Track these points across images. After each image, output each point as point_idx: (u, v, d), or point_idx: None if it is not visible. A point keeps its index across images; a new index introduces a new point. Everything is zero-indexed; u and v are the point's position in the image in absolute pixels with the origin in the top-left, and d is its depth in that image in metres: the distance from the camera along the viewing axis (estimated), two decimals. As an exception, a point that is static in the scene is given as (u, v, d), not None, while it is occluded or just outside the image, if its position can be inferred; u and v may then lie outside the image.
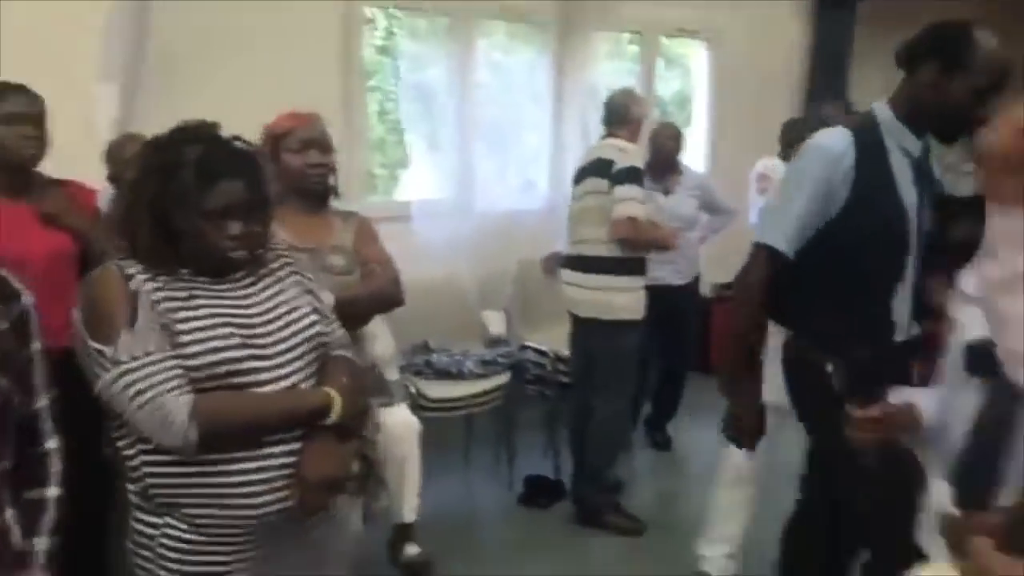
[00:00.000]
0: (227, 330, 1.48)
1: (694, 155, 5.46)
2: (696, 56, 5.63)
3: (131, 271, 1.48)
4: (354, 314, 2.20)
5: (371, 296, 2.30)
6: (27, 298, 1.39)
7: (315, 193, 2.33)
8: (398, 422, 3.09)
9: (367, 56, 4.42)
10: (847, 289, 2.06)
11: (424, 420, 3.47)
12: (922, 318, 2.14)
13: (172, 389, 1.40)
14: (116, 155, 2.87)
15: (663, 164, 3.98)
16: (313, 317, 1.62)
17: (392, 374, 3.27)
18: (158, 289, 1.47)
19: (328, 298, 2.12)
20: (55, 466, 1.43)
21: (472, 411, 3.66)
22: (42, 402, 1.41)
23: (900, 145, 2.04)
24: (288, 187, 2.28)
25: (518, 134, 4.74)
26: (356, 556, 2.16)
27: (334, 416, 1.52)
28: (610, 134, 3.50)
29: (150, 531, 1.51)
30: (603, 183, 3.32)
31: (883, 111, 2.06)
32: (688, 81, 5.75)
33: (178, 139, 1.51)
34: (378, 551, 3.10)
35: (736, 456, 2.76)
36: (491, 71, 4.63)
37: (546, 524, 3.46)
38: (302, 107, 3.80)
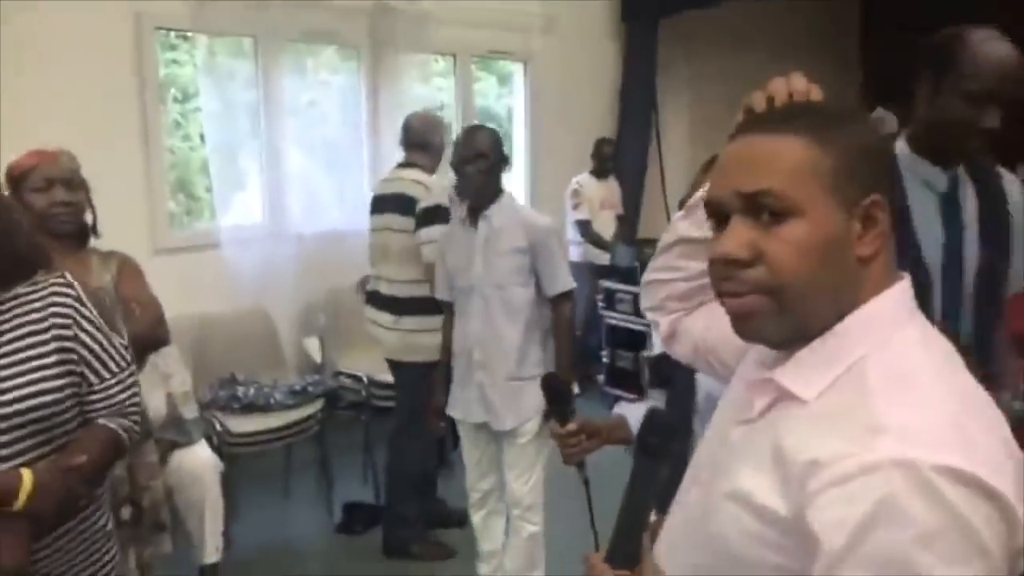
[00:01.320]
0: None
1: (515, 173, 5.64)
2: (512, 75, 5.79)
3: None
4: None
5: (131, 339, 2.23)
6: None
7: (65, 233, 2.24)
8: (195, 462, 3.00)
9: (176, 76, 4.31)
10: None
11: (237, 456, 3.43)
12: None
13: None
14: None
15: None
16: (49, 383, 1.45)
17: (190, 412, 3.18)
18: None
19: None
20: None
21: (283, 443, 3.61)
22: None
23: (922, 180, 1.74)
24: (37, 228, 2.18)
25: (334, 156, 4.73)
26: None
27: (19, 503, 1.35)
28: (408, 162, 3.46)
29: None
30: (407, 222, 3.26)
31: (899, 146, 1.78)
32: (499, 99, 5.90)
33: None
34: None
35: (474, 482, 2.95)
36: (304, 92, 4.60)
37: (363, 550, 3.45)
38: (99, 131, 3.72)
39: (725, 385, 1.12)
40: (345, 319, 4.20)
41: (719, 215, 0.91)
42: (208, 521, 2.98)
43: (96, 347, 1.54)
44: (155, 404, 2.98)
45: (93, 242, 2.36)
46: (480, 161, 2.69)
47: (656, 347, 1.71)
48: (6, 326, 1.45)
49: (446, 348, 2.95)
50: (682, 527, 0.97)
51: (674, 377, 1.59)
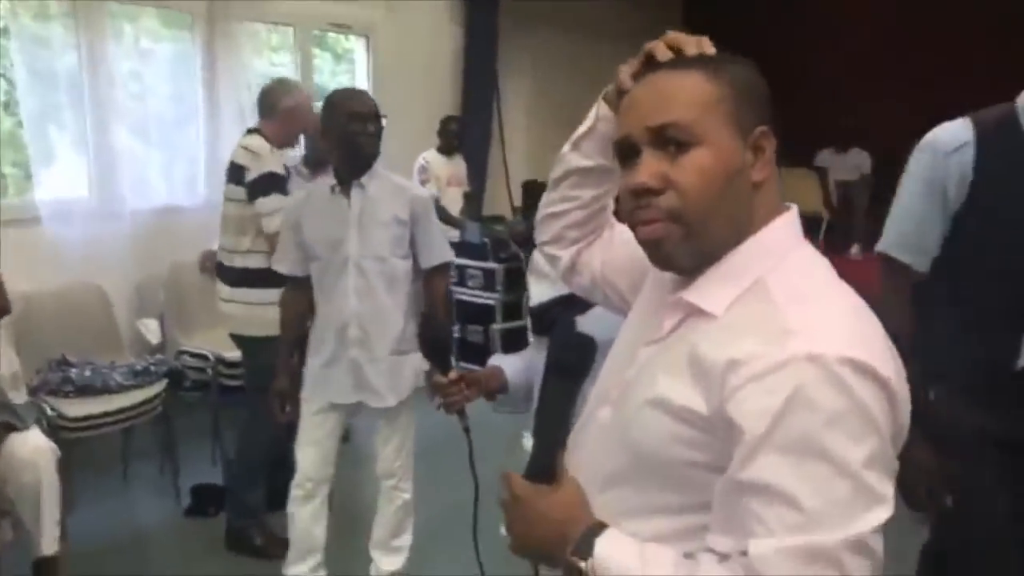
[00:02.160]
0: None
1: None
2: (357, 51, 5.70)
3: None
4: None
5: None
6: None
7: None
8: (28, 448, 2.78)
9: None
10: (961, 314, 1.76)
11: (71, 441, 3.19)
12: None
13: None
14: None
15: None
16: None
17: (20, 396, 2.94)
18: None
19: None
20: None
21: (124, 426, 3.40)
22: None
23: None
24: None
25: (170, 127, 4.46)
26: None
27: None
28: (253, 128, 3.31)
29: None
30: (238, 191, 3.11)
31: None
32: (354, 76, 5.80)
33: None
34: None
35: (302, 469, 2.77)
36: (134, 60, 4.31)
37: (214, 532, 3.32)
38: None
39: (618, 316, 1.19)
40: (188, 296, 4.01)
41: (628, 151, 0.99)
42: (45, 510, 2.77)
43: None
44: (-20, 390, 2.74)
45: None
46: (376, 122, 2.56)
47: (534, 298, 1.77)
48: None
49: (287, 325, 2.80)
50: (596, 441, 1.03)
51: (555, 325, 1.66)
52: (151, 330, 3.99)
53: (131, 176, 4.25)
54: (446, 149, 5.53)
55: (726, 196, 0.94)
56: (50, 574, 2.81)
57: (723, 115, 0.94)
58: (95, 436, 3.31)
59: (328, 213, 2.63)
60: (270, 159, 3.13)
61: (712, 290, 0.95)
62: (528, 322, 1.83)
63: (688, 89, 0.95)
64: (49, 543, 2.80)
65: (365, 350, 2.64)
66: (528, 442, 1.59)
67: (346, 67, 5.79)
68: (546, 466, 1.01)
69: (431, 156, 5.46)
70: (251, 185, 3.07)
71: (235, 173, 3.15)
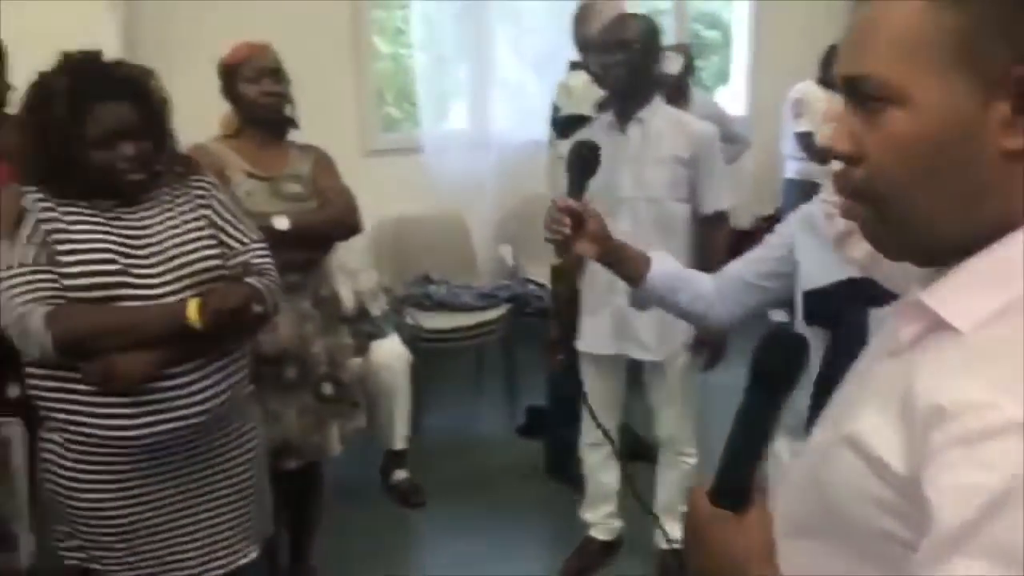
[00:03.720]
0: (107, 255, 1.54)
1: (734, 80, 5.29)
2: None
3: (31, 195, 1.55)
4: (311, 239, 2.28)
5: (326, 222, 2.35)
6: None
7: (271, 122, 2.36)
8: (387, 353, 3.16)
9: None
10: None
11: (428, 351, 3.55)
12: None
13: (35, 300, 1.47)
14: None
15: (668, 90, 3.76)
16: (207, 251, 1.65)
17: (377, 308, 3.32)
18: (48, 210, 1.53)
19: (282, 223, 2.18)
20: None
21: (468, 343, 3.69)
22: None
23: None
24: (245, 117, 2.33)
25: (546, 65, 4.63)
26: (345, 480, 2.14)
27: (191, 316, 1.54)
28: (577, 62, 3.11)
29: (43, 447, 1.62)
30: (552, 133, 3.06)
31: None
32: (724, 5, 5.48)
33: (51, 72, 1.54)
34: (372, 475, 3.21)
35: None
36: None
37: (539, 455, 3.48)
38: (309, 31, 3.89)
39: None
40: (537, 228, 4.16)
41: None
42: (397, 409, 3.14)
43: (234, 224, 1.75)
44: (344, 296, 3.15)
45: (292, 134, 2.45)
46: (621, 51, 2.33)
47: (807, 278, 1.45)
48: (168, 212, 1.66)
49: (558, 272, 2.68)
50: (801, 473, 0.81)
51: (840, 316, 1.34)
52: (507, 256, 4.25)
53: (506, 111, 4.51)
54: (827, 82, 4.99)
55: (945, 172, 0.66)
56: (398, 464, 3.20)
57: (950, 53, 0.65)
58: (449, 349, 3.65)
59: (605, 150, 2.48)
60: (581, 97, 2.95)
61: (961, 296, 0.67)
62: (800, 307, 1.44)
63: (895, 22, 0.67)
64: (399, 439, 3.18)
65: None
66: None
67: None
68: (735, 486, 0.82)
69: (807, 88, 4.97)
70: (556, 124, 3.01)
71: (552, 112, 3.09)
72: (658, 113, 2.42)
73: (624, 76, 2.35)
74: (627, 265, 1.50)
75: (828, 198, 1.28)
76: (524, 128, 4.47)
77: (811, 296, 1.38)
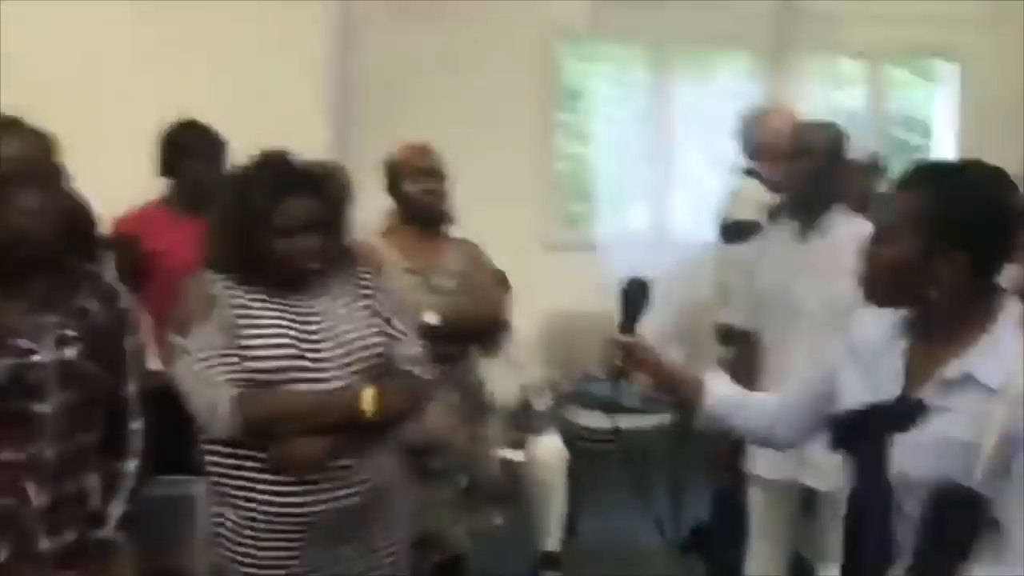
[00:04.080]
0: (286, 340, 1.62)
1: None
2: (942, 77, 5.07)
3: (216, 281, 1.66)
4: (459, 334, 2.32)
5: (474, 319, 2.39)
6: (124, 301, 1.62)
7: (429, 219, 2.46)
8: (544, 450, 3.12)
9: (567, 84, 4.54)
10: None
11: (584, 451, 3.47)
12: None
13: (224, 384, 1.56)
14: None
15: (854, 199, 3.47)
16: (373, 339, 1.71)
17: (540, 403, 3.30)
18: (234, 297, 1.64)
19: (432, 319, 2.23)
20: (135, 443, 1.61)
21: (630, 447, 3.55)
22: (130, 389, 1.61)
23: None
24: (405, 213, 2.44)
25: (720, 165, 4.58)
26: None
27: (366, 406, 1.59)
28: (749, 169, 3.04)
29: (214, 519, 1.69)
30: (719, 238, 3.01)
31: None
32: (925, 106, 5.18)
33: (251, 164, 1.68)
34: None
35: None
36: (698, 98, 4.52)
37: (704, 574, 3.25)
38: (497, 129, 4.06)
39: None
40: (707, 333, 4.02)
41: None
42: (552, 508, 3.07)
43: (394, 315, 1.79)
44: (504, 390, 3.15)
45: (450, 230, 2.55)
46: (804, 159, 2.26)
47: (844, 396, 1.33)
48: (337, 300, 1.73)
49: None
50: None
51: (860, 442, 1.25)
52: (677, 359, 4.11)
53: (686, 211, 4.46)
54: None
55: None
56: (549, 567, 3.10)
57: None
58: (610, 451, 3.54)
59: (783, 260, 2.33)
60: (747, 202, 2.89)
61: None
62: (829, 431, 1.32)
63: None
64: (552, 540, 3.10)
65: None
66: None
67: (933, 94, 5.16)
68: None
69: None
70: (722, 230, 2.96)
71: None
72: (842, 223, 2.28)
73: (807, 185, 2.28)
74: (683, 390, 1.55)
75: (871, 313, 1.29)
76: (703, 228, 4.41)
77: (835, 420, 1.31)
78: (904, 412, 1.18)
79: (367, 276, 1.82)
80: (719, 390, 1.52)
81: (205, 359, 1.59)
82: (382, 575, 1.77)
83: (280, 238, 1.63)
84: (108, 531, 1.55)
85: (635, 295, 1.66)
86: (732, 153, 4.45)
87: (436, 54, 4.03)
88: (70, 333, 1.50)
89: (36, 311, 1.49)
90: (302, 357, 1.63)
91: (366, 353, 1.69)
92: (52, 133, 1.53)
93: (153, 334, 2.42)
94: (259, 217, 1.62)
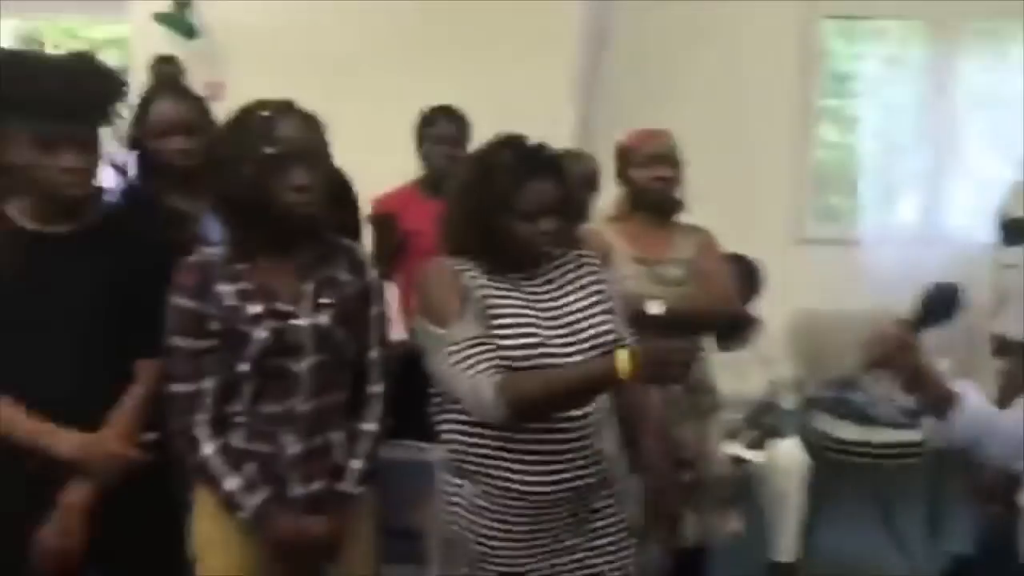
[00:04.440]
0: (530, 327, 1.63)
1: None
2: None
3: (459, 267, 1.67)
4: (682, 326, 2.19)
5: (699, 311, 2.28)
6: (372, 272, 1.73)
7: (659, 206, 2.38)
8: (783, 455, 2.95)
9: (833, 67, 4.23)
10: None
11: (829, 462, 3.24)
12: None
13: (486, 370, 1.57)
14: None
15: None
16: (606, 324, 1.69)
17: (787, 403, 3.11)
18: (481, 287, 1.65)
19: (655, 308, 2.17)
20: (376, 406, 1.71)
21: (882, 462, 3.25)
22: (374, 354, 1.71)
23: None
24: (633, 200, 2.39)
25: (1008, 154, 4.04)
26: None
27: (624, 364, 1.49)
28: None
29: (449, 489, 1.71)
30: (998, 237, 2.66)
31: None
32: None
33: (492, 148, 1.69)
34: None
35: None
36: (986, 80, 4.01)
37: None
38: (752, 117, 3.87)
39: None
40: (983, 345, 3.57)
41: None
42: (785, 518, 2.90)
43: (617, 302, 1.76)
44: (750, 386, 3.01)
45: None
46: None
47: None
48: (568, 285, 1.72)
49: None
50: None
51: None
52: (946, 371, 3.70)
53: (965, 206, 4.00)
54: None
55: None
56: (782, 579, 2.93)
57: None
58: (858, 465, 3.27)
59: None
60: None
61: None
62: None
63: None
64: (785, 551, 2.92)
65: None
66: None
67: None
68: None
69: None
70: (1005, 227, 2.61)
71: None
72: None
73: None
74: (933, 398, 1.43)
75: None
76: (982, 227, 3.93)
77: None
78: None
79: (592, 260, 1.80)
80: (970, 407, 1.38)
81: (465, 349, 1.59)
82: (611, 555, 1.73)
83: (523, 221, 1.63)
84: (349, 485, 1.66)
85: (945, 302, 1.53)
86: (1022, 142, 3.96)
87: (687, 32, 3.91)
88: (325, 300, 1.62)
89: (298, 279, 1.62)
90: (544, 344, 1.62)
91: (603, 339, 1.67)
92: (319, 115, 1.66)
93: (402, 307, 2.58)
94: (501, 200, 1.63)
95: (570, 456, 1.63)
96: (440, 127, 2.80)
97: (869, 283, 3.94)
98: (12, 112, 1.58)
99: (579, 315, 1.68)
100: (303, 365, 1.60)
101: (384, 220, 2.75)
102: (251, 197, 1.55)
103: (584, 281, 1.74)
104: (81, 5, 4.32)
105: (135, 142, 2.18)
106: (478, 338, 1.59)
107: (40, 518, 1.62)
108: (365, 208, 2.63)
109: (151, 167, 2.16)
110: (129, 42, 4.16)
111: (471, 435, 1.66)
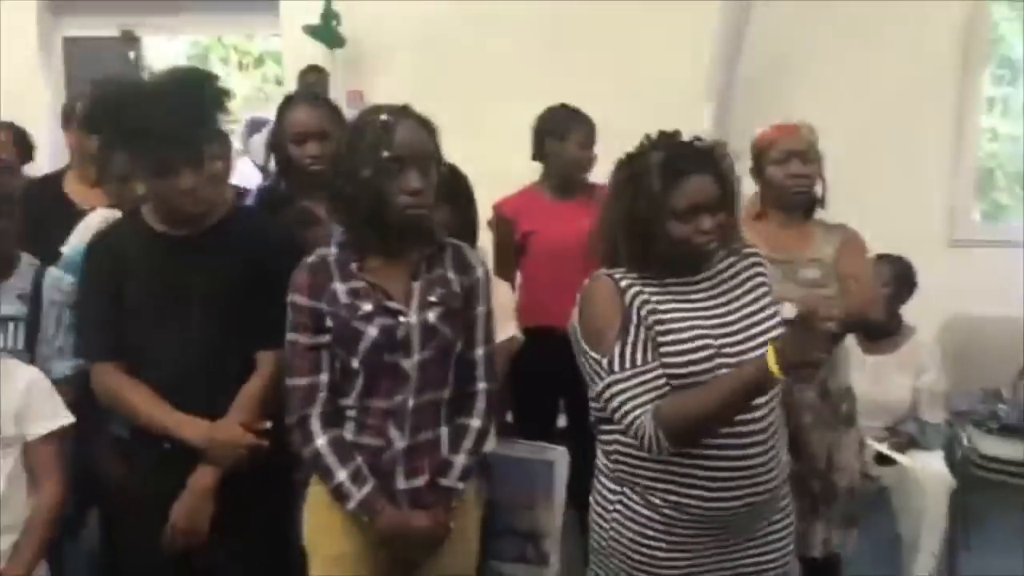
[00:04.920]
0: (700, 336, 1.57)
1: None
2: None
3: (623, 283, 1.62)
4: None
5: (832, 315, 2.14)
6: (479, 271, 1.75)
7: (795, 204, 2.28)
8: (923, 469, 2.76)
9: (1002, 52, 3.92)
10: None
11: (977, 480, 3.02)
12: None
13: (646, 403, 1.53)
14: None
15: None
16: (774, 326, 1.60)
17: (933, 415, 2.90)
18: (645, 302, 1.59)
19: (788, 312, 2.07)
20: (480, 403, 1.74)
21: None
22: (479, 352, 1.74)
23: None
24: (769, 198, 2.29)
25: None
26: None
27: (774, 366, 1.41)
28: None
29: (609, 496, 1.68)
30: None
31: None
32: None
33: (643, 150, 1.64)
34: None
35: None
36: None
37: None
38: (909, 106, 3.61)
39: None
40: None
41: None
42: (924, 537, 2.71)
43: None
44: (895, 395, 2.85)
45: (819, 214, 2.33)
46: None
47: None
48: (732, 284, 1.66)
49: None
50: None
51: None
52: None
53: None
54: None
55: None
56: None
57: None
58: (1011, 484, 3.01)
59: None
60: None
61: None
62: None
63: None
64: (921, 569, 2.73)
65: None
66: None
67: None
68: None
69: None
70: None
71: None
72: None
73: None
74: None
75: None
76: None
77: None
78: None
79: (754, 255, 1.71)
80: None
81: (630, 379, 1.55)
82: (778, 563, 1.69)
83: (679, 221, 1.57)
84: (452, 480, 1.69)
85: None
86: None
87: (834, 17, 3.72)
88: (432, 299, 1.67)
89: (408, 278, 1.67)
90: (719, 355, 1.56)
91: (770, 338, 1.57)
92: (432, 120, 1.69)
93: (521, 305, 2.61)
94: (656, 201, 1.57)
95: (749, 472, 1.57)
96: (553, 125, 2.79)
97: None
98: (127, 143, 1.75)
99: (750, 316, 1.62)
100: (411, 361, 1.64)
101: (503, 221, 2.80)
102: (367, 199, 1.61)
103: (748, 274, 1.68)
104: (241, 20, 4.63)
105: (274, 147, 2.33)
106: (641, 369, 1.54)
107: (171, 499, 1.77)
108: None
109: (287, 170, 2.30)
110: (283, 54, 4.44)
111: (638, 448, 1.59)
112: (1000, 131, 4.23)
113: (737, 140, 3.40)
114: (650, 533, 1.61)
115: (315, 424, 1.66)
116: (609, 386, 1.56)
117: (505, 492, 2.28)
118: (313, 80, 3.90)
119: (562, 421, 2.89)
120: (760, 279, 1.68)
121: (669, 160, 1.58)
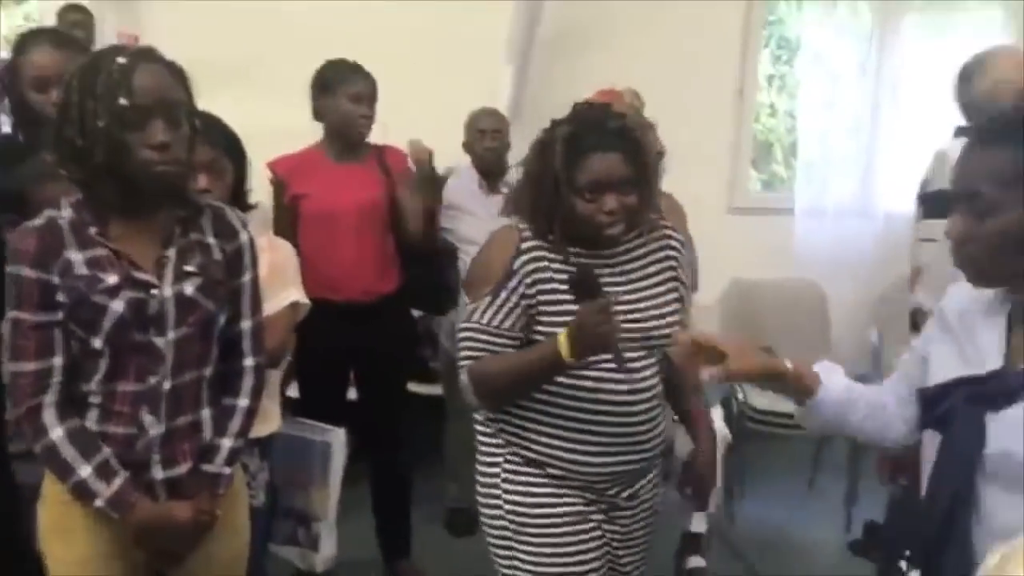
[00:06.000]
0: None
1: None
2: None
3: (524, 244, 1.61)
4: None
5: None
6: (244, 236, 1.58)
7: None
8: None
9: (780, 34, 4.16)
10: None
11: (752, 432, 3.23)
12: None
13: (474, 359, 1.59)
14: (469, 126, 3.10)
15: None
16: (671, 315, 1.65)
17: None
18: (534, 270, 1.60)
19: None
20: (248, 381, 1.60)
21: (803, 433, 3.23)
22: (245, 324, 1.59)
23: None
24: None
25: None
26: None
27: (565, 350, 1.48)
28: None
29: (492, 458, 1.71)
30: (918, 210, 2.59)
31: None
32: None
33: (555, 122, 1.60)
34: (665, 560, 2.94)
35: None
36: (926, 54, 3.95)
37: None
38: (693, 81, 3.76)
39: None
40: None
41: None
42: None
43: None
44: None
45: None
46: None
47: (933, 372, 1.25)
48: (637, 264, 1.68)
49: None
50: None
51: (951, 418, 1.15)
52: (873, 341, 3.70)
53: (892, 179, 3.96)
54: None
55: None
56: (693, 550, 2.87)
57: None
58: (781, 435, 3.26)
59: None
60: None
61: None
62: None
63: None
64: (698, 521, 2.88)
65: None
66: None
67: None
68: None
69: None
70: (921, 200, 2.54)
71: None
72: None
73: None
74: (793, 382, 1.34)
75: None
76: (905, 199, 3.91)
77: (924, 395, 1.22)
78: (1006, 388, 1.10)
79: (672, 239, 1.72)
80: (830, 385, 1.34)
81: (476, 332, 1.60)
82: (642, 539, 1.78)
83: (581, 198, 1.55)
84: (217, 465, 1.55)
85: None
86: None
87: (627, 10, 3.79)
88: (189, 268, 1.49)
89: (158, 245, 1.48)
90: None
91: (664, 332, 1.63)
92: (181, 65, 1.49)
93: (303, 271, 2.45)
94: (561, 177, 1.54)
95: (627, 442, 1.62)
96: (359, 85, 2.61)
97: (797, 254, 3.93)
98: None
99: (650, 299, 1.65)
100: (165, 339, 1.47)
101: (274, 183, 2.62)
102: (103, 153, 1.39)
103: (657, 256, 1.69)
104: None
105: (9, 91, 2.02)
106: (494, 330, 1.58)
107: None
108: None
109: (25, 120, 2.00)
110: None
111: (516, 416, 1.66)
112: (778, 107, 4.51)
113: (536, 103, 3.46)
114: (530, 493, 1.65)
115: (49, 415, 1.44)
116: (463, 331, 1.61)
117: (282, 472, 2.17)
118: (75, 20, 3.48)
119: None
120: (670, 262, 1.70)
121: (574, 135, 1.55)
